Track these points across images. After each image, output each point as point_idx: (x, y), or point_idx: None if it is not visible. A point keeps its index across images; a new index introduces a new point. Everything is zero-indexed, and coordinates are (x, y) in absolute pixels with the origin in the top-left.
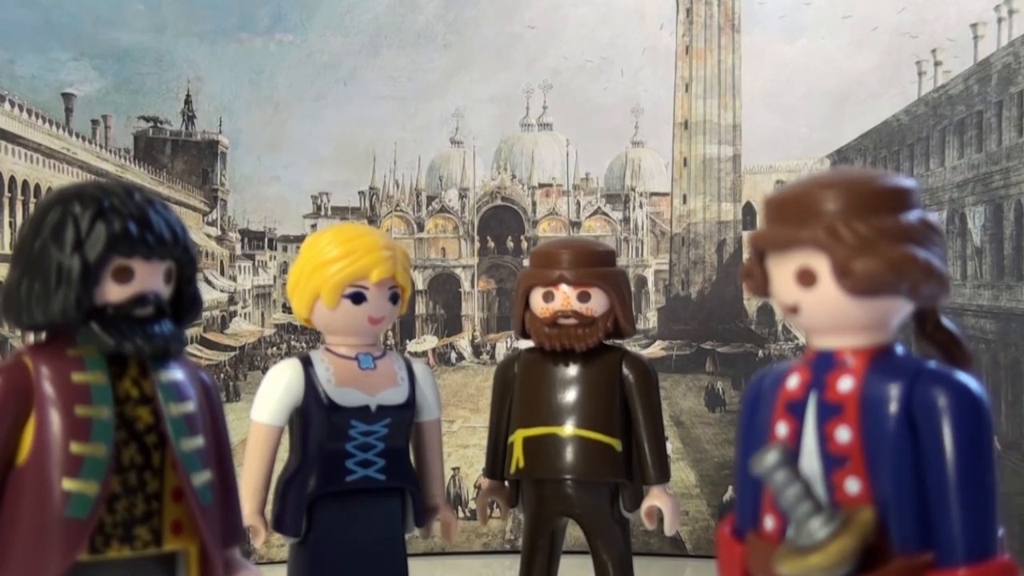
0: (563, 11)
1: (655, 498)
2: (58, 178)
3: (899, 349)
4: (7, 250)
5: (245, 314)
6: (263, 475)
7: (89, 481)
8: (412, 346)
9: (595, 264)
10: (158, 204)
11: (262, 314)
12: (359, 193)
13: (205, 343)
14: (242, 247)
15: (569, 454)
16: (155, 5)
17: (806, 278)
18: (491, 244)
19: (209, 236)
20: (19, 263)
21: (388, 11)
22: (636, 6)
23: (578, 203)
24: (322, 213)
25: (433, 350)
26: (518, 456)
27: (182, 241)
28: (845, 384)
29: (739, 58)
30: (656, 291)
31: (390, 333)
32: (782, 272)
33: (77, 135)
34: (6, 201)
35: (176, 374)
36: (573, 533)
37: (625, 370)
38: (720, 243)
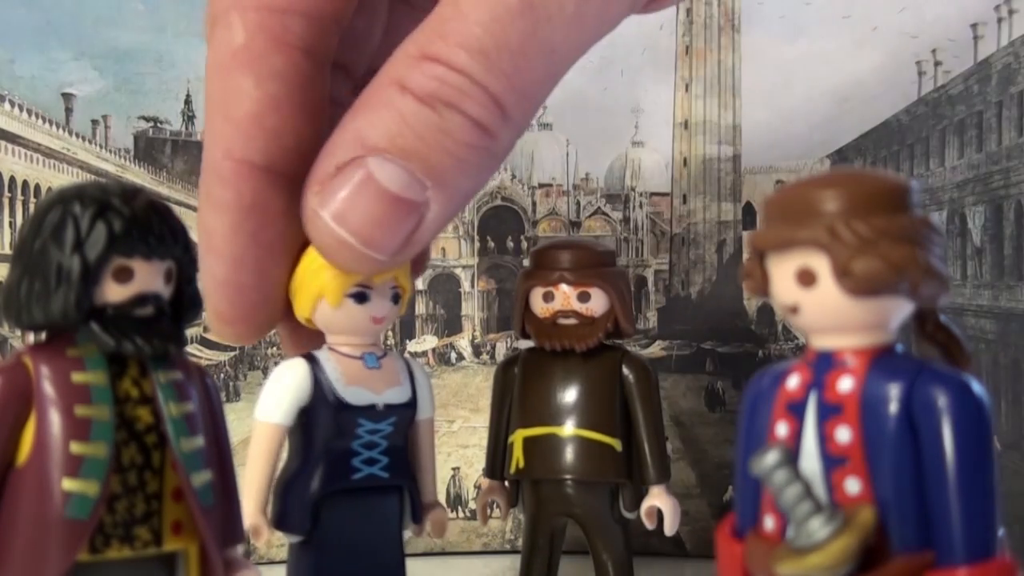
0: None
1: (655, 498)
2: (58, 178)
3: (899, 349)
4: (7, 250)
5: None
6: (267, 475)
7: (89, 481)
8: (412, 346)
9: (595, 264)
10: (158, 204)
11: None
12: None
13: (205, 343)
14: None
15: (569, 454)
16: (155, 5)
17: (806, 278)
18: (491, 244)
19: None
20: (19, 263)
21: None
22: None
23: (578, 203)
24: None
25: (433, 350)
26: (518, 456)
27: (182, 241)
28: (845, 384)
29: (739, 58)
30: (656, 291)
31: (390, 333)
32: (782, 272)
33: (77, 135)
34: (6, 201)
35: (176, 374)
36: (573, 533)
37: (625, 370)
38: (720, 243)
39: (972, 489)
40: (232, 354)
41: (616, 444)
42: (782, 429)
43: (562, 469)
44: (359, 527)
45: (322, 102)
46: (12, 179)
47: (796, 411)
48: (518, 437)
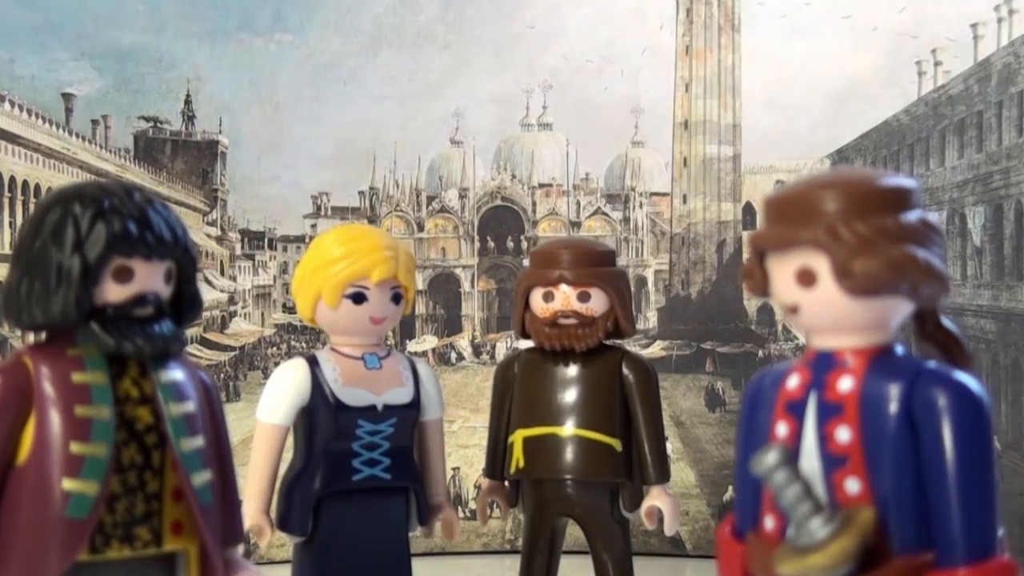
0: (563, 11)
1: (655, 498)
2: (58, 178)
3: (899, 349)
4: (7, 250)
5: (245, 314)
6: (268, 475)
7: (89, 481)
8: (412, 346)
9: (595, 264)
10: (158, 204)
11: (262, 314)
12: (359, 193)
13: (205, 343)
14: (242, 247)
15: (569, 454)
16: (155, 5)
17: (806, 278)
18: (491, 244)
19: (209, 236)
20: (19, 263)
21: (388, 11)
22: (636, 6)
23: (578, 203)
24: (322, 213)
25: (433, 350)
26: (518, 456)
27: (182, 241)
28: (845, 384)
29: (739, 58)
30: (656, 291)
31: (390, 333)
32: (782, 272)
33: (77, 135)
34: (6, 201)
35: (176, 374)
36: (573, 533)
37: (625, 370)
38: (720, 243)
39: (972, 489)
40: (232, 354)
41: (616, 444)
42: (782, 429)
43: (562, 469)
44: (362, 528)
45: None
46: (12, 179)
47: (796, 411)
48: (518, 437)
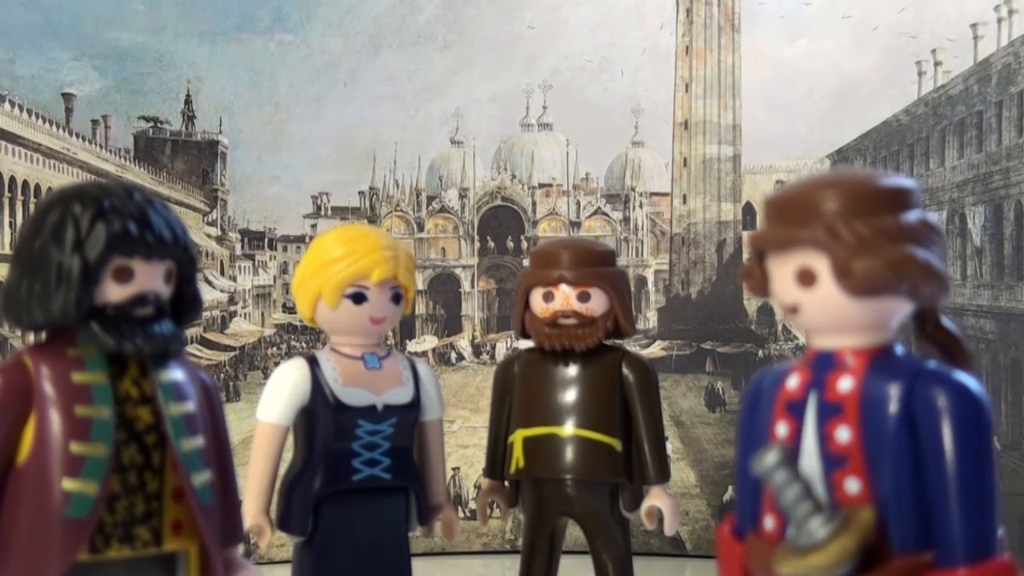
0: (563, 11)
1: (655, 498)
2: (58, 178)
3: (899, 349)
4: (7, 250)
5: (245, 314)
6: (268, 475)
7: (89, 481)
8: (412, 346)
9: (595, 264)
10: (158, 204)
11: (262, 314)
12: (359, 193)
13: (205, 343)
14: (242, 247)
15: (569, 454)
16: (155, 5)
17: (806, 278)
18: (491, 244)
19: (209, 236)
20: (19, 263)
21: (388, 11)
22: (636, 6)
23: (578, 203)
24: (322, 213)
25: (433, 350)
26: (518, 456)
27: (182, 241)
28: (845, 384)
29: (739, 58)
30: (656, 291)
31: (390, 333)
32: (782, 272)
33: (77, 135)
34: (6, 201)
35: (176, 374)
36: (573, 533)
37: (625, 370)
38: (720, 243)
39: (972, 489)
40: (232, 354)
41: (616, 444)
42: (782, 429)
43: (562, 469)
44: (362, 528)
45: None
46: (12, 179)
47: (796, 411)
48: (518, 437)
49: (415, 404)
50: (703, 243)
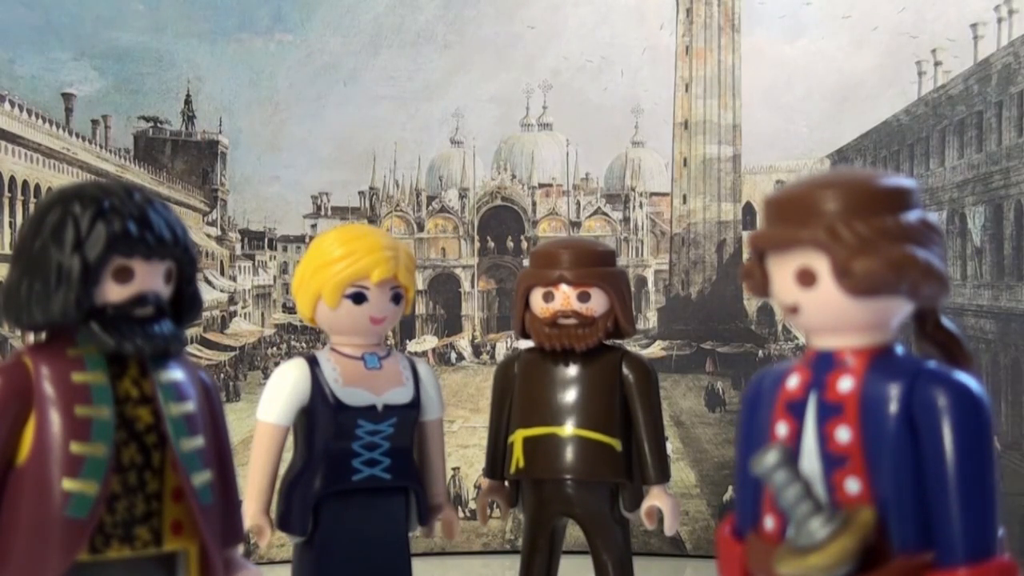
0: (563, 11)
1: (655, 498)
2: (58, 178)
3: (899, 349)
4: (7, 250)
5: (245, 314)
6: (268, 475)
7: (89, 481)
8: (412, 346)
9: (595, 264)
10: (158, 204)
11: (262, 314)
12: (359, 193)
13: (205, 343)
14: (242, 247)
15: (569, 454)
16: (155, 5)
17: (806, 278)
18: (491, 244)
19: (209, 236)
20: (19, 263)
21: (388, 11)
22: (636, 6)
23: (578, 203)
24: (322, 213)
25: (433, 350)
26: (518, 456)
27: (182, 241)
28: (845, 384)
29: (739, 58)
30: (656, 291)
31: (390, 333)
32: (782, 272)
33: (77, 135)
34: (6, 201)
35: (176, 374)
36: (573, 533)
37: (625, 370)
38: (720, 243)
39: (972, 489)
40: (232, 354)
41: (616, 444)
42: (782, 429)
43: (562, 469)
44: (362, 528)
45: None
46: (12, 179)
47: (796, 411)
48: (518, 437)
49: (415, 404)
50: (703, 243)
